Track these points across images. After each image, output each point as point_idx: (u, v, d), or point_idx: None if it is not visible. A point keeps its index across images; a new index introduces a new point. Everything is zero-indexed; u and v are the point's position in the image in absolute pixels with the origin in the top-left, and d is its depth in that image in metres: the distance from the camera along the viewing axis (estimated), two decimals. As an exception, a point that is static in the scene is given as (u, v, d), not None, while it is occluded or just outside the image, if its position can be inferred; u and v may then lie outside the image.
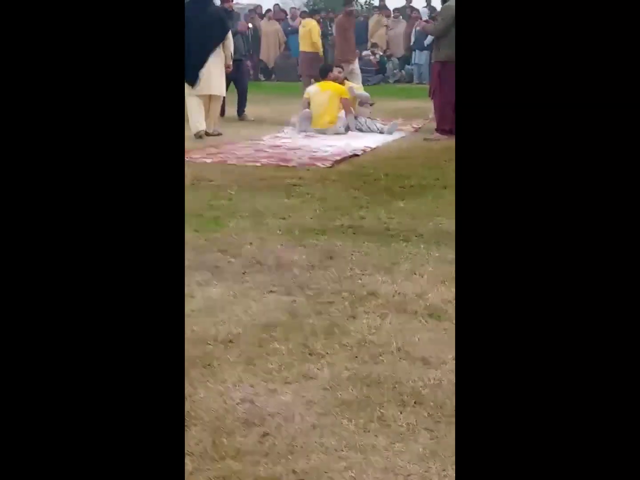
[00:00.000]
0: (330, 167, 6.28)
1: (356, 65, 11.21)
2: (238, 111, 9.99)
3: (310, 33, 12.06)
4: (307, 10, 18.65)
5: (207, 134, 8.04)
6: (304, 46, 12.16)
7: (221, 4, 9.70)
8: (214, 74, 7.98)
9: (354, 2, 12.63)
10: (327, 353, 2.54)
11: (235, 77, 9.48)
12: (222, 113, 9.39)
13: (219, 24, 8.12)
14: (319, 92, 8.56)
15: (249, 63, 10.75)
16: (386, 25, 17.53)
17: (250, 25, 10.09)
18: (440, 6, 8.70)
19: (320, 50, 12.22)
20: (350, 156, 6.85)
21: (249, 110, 10.12)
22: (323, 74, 8.98)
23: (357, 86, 9.15)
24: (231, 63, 8.34)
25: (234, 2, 10.27)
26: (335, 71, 8.97)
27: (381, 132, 8.41)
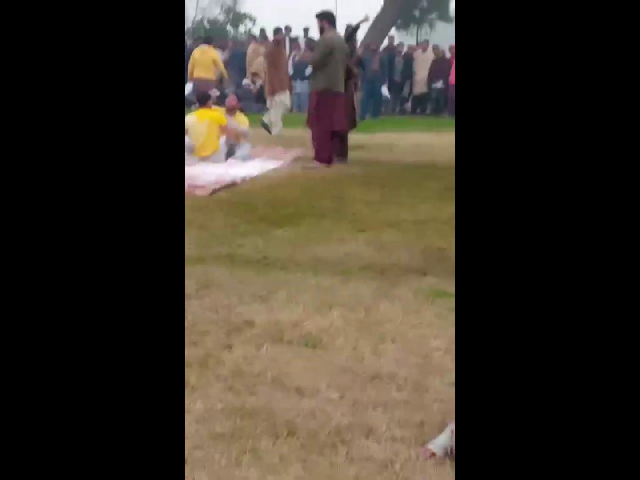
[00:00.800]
0: (209, 195, 6.24)
1: (287, 95, 11.16)
2: None
3: (211, 59, 12.35)
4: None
5: None
6: (200, 72, 12.31)
7: None
8: None
9: (281, 31, 12.59)
10: (201, 385, 2.50)
11: None
12: None
13: None
14: (197, 122, 8.47)
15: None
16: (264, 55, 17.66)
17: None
18: (318, 37, 8.85)
19: (214, 76, 12.29)
20: (230, 184, 6.84)
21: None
22: (201, 102, 8.91)
23: (242, 119, 9.04)
24: None
25: None
26: (231, 98, 8.97)
27: (246, 158, 8.41)
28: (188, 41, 19.17)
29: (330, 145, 8.24)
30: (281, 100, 10.86)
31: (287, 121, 11.94)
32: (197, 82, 12.33)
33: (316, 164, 8.12)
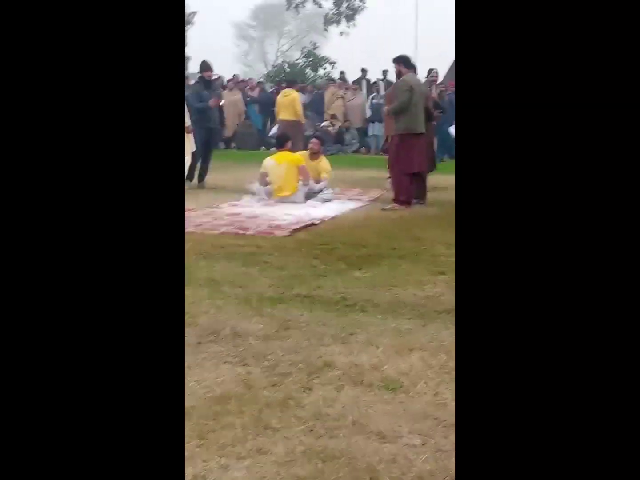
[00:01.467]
0: (288, 235, 6.31)
1: None
2: (199, 177, 10.05)
3: (292, 102, 12.64)
4: (262, 80, 19.03)
5: None
6: (284, 115, 12.66)
7: (200, 73, 10.01)
8: None
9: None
10: (282, 427, 2.50)
11: (205, 144, 9.80)
12: (190, 178, 9.65)
13: None
14: (276, 164, 8.60)
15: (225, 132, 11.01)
16: (343, 97, 17.87)
17: (223, 101, 10.21)
18: (395, 81, 8.88)
19: (302, 117, 12.61)
20: (308, 225, 6.89)
21: (209, 177, 10.18)
22: (279, 144, 9.05)
23: (324, 164, 9.12)
24: (188, 126, 9.07)
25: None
26: (314, 142, 9.09)
27: (326, 200, 8.47)
28: (268, 84, 19.58)
29: (410, 187, 8.24)
30: None
31: (364, 162, 12.02)
32: (282, 124, 12.68)
33: (395, 205, 8.13)
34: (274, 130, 14.13)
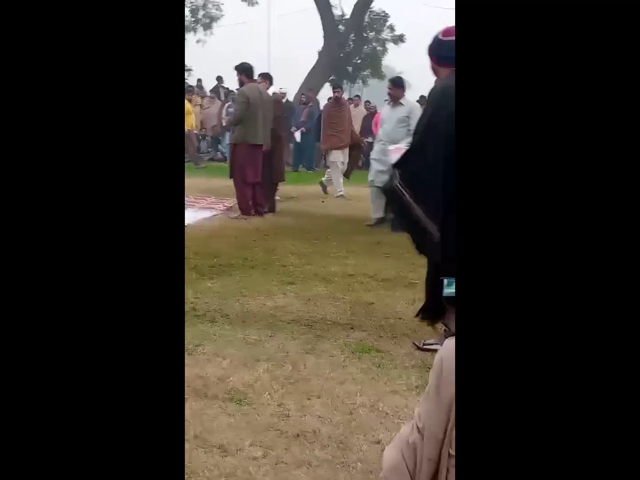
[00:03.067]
0: (138, 244, 6.17)
1: (342, 153, 10.46)
2: None
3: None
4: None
5: None
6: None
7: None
8: None
9: (340, 88, 12.23)
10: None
11: None
12: None
13: None
14: None
15: None
16: (200, 105, 17.74)
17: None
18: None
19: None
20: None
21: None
22: None
23: None
24: None
25: None
26: None
27: None
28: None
29: (247, 196, 8.25)
30: (336, 160, 10.43)
31: (219, 170, 11.95)
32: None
33: (237, 214, 8.16)
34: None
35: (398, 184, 2.99)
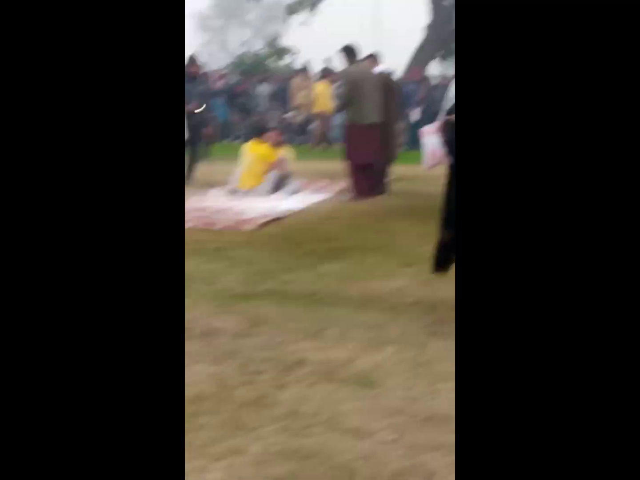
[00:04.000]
0: (256, 230, 6.30)
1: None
2: (186, 175, 9.39)
3: (320, 94, 14.04)
4: (227, 71, 18.94)
5: None
6: (315, 107, 14.28)
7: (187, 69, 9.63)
8: None
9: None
10: (257, 426, 2.51)
11: (189, 142, 9.18)
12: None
13: None
14: (248, 152, 8.63)
15: (210, 129, 10.49)
16: (307, 87, 17.81)
17: (204, 106, 9.65)
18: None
19: (331, 110, 13.20)
20: (275, 219, 6.89)
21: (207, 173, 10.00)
22: (257, 134, 8.95)
23: (289, 156, 9.02)
24: None
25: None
26: (273, 134, 8.93)
27: (293, 193, 8.46)
28: (233, 75, 19.44)
29: (365, 178, 8.22)
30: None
31: (329, 153, 11.98)
32: (317, 116, 14.20)
33: (352, 196, 8.15)
34: (289, 114, 15.19)
35: None
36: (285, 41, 22.37)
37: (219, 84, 17.92)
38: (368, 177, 8.28)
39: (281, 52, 21.58)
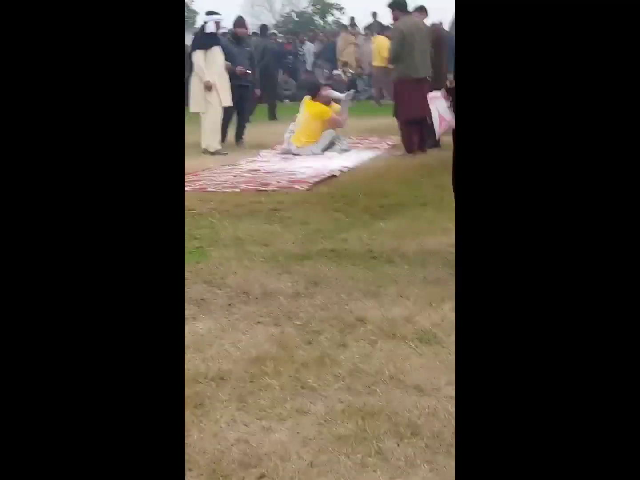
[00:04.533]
0: (309, 189, 6.28)
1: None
2: (236, 137, 9.69)
3: (379, 49, 13.87)
4: (274, 32, 18.79)
5: (211, 152, 8.62)
6: (375, 61, 14.15)
7: (233, 28, 9.63)
8: (190, 93, 8.65)
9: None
10: (320, 385, 2.51)
11: (238, 103, 9.24)
12: (223, 138, 9.33)
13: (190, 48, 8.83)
14: (303, 110, 8.62)
15: (257, 91, 10.35)
16: (355, 43, 17.62)
17: (248, 71, 9.47)
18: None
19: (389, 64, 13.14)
20: (328, 177, 6.85)
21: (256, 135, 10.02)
22: (311, 93, 8.89)
23: (337, 110, 8.93)
24: (207, 81, 8.61)
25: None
26: (324, 91, 8.82)
27: (344, 150, 8.41)
28: (278, 34, 19.29)
29: (413, 132, 8.11)
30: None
31: (379, 109, 11.84)
32: (375, 70, 14.57)
33: (401, 152, 8.06)
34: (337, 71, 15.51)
35: None
36: (330, -2, 22.10)
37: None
38: (419, 132, 8.17)
39: (326, 9, 21.36)
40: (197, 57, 8.61)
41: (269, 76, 12.81)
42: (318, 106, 8.55)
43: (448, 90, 3.31)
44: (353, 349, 2.81)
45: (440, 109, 3.40)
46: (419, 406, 2.33)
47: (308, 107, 8.58)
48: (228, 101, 8.83)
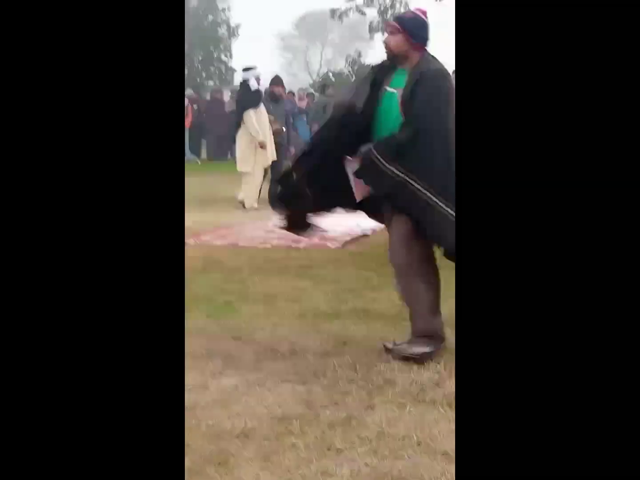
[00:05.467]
0: (341, 247, 6.28)
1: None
2: (269, 195, 9.79)
3: None
4: (312, 91, 19.05)
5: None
6: None
7: (270, 86, 9.71)
8: (238, 151, 8.89)
9: None
10: (346, 447, 2.47)
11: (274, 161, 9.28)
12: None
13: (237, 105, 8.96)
14: None
15: (292, 149, 10.24)
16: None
17: (284, 128, 9.64)
18: None
19: None
20: (361, 236, 6.85)
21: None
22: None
23: None
24: (262, 141, 8.73)
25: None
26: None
27: None
28: (315, 93, 19.58)
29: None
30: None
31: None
32: None
33: None
34: None
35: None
36: (368, 59, 22.46)
37: (304, 103, 18.08)
38: None
39: (363, 69, 21.67)
40: (250, 116, 8.68)
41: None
42: None
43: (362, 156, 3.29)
44: (381, 412, 2.77)
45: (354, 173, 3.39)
46: (446, 473, 2.28)
47: None
48: (274, 156, 8.99)
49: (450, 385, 3.01)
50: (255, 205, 8.78)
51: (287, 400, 2.87)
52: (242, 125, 8.77)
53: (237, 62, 25.76)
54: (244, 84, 8.96)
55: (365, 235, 6.91)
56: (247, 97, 8.80)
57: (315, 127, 9.59)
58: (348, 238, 6.66)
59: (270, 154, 8.92)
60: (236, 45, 28.09)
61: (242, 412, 2.75)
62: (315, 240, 6.60)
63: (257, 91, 8.85)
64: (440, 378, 3.10)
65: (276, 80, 9.82)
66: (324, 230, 3.73)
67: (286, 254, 5.94)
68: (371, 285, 4.83)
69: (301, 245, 6.38)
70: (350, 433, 2.58)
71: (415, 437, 2.54)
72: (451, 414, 2.74)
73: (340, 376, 3.14)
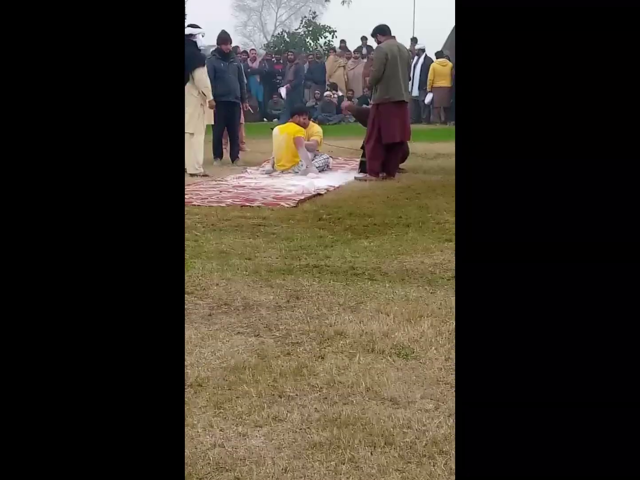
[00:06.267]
0: (295, 206, 6.32)
1: None
2: (231, 155, 9.61)
3: (450, 70, 15.43)
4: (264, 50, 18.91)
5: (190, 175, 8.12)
6: (441, 82, 15.72)
7: (218, 46, 9.44)
8: (187, 112, 7.84)
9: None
10: (297, 395, 2.54)
11: (227, 119, 9.24)
12: (221, 156, 9.46)
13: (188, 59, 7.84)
14: (277, 135, 8.61)
15: (246, 105, 9.96)
16: (343, 66, 17.78)
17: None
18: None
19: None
20: (314, 195, 6.91)
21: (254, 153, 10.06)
22: (292, 115, 8.94)
23: (315, 130, 9.00)
24: (211, 100, 8.42)
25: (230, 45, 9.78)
26: (300, 118, 8.71)
27: (322, 166, 8.53)
28: (270, 54, 19.42)
29: (379, 157, 8.09)
30: None
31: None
32: (437, 91, 15.81)
33: (367, 175, 8.08)
34: (429, 97, 16.20)
35: None
36: (324, 20, 22.26)
37: (255, 64, 17.93)
38: (396, 156, 8.21)
39: (318, 31, 21.50)
40: (201, 72, 8.27)
41: (297, 95, 14.75)
42: (290, 127, 8.57)
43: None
44: (331, 361, 2.85)
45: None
46: (393, 418, 2.37)
47: (284, 129, 8.60)
48: (212, 119, 8.83)
49: (398, 336, 3.10)
50: (202, 170, 8.38)
51: (239, 352, 2.93)
52: (189, 83, 8.20)
53: (191, 21, 25.28)
54: (192, 41, 8.41)
55: (318, 195, 6.97)
56: (197, 55, 8.34)
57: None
58: (301, 197, 6.71)
59: (209, 116, 8.67)
60: (189, 5, 27.59)
61: (196, 363, 2.80)
62: (269, 199, 6.65)
63: (202, 49, 8.65)
64: (389, 329, 3.19)
65: (223, 38, 9.42)
66: None
67: (240, 213, 5.97)
68: (324, 243, 4.89)
69: (255, 204, 6.41)
70: (301, 381, 2.65)
71: (363, 384, 2.62)
72: (399, 362, 2.84)
73: (292, 328, 3.21)
